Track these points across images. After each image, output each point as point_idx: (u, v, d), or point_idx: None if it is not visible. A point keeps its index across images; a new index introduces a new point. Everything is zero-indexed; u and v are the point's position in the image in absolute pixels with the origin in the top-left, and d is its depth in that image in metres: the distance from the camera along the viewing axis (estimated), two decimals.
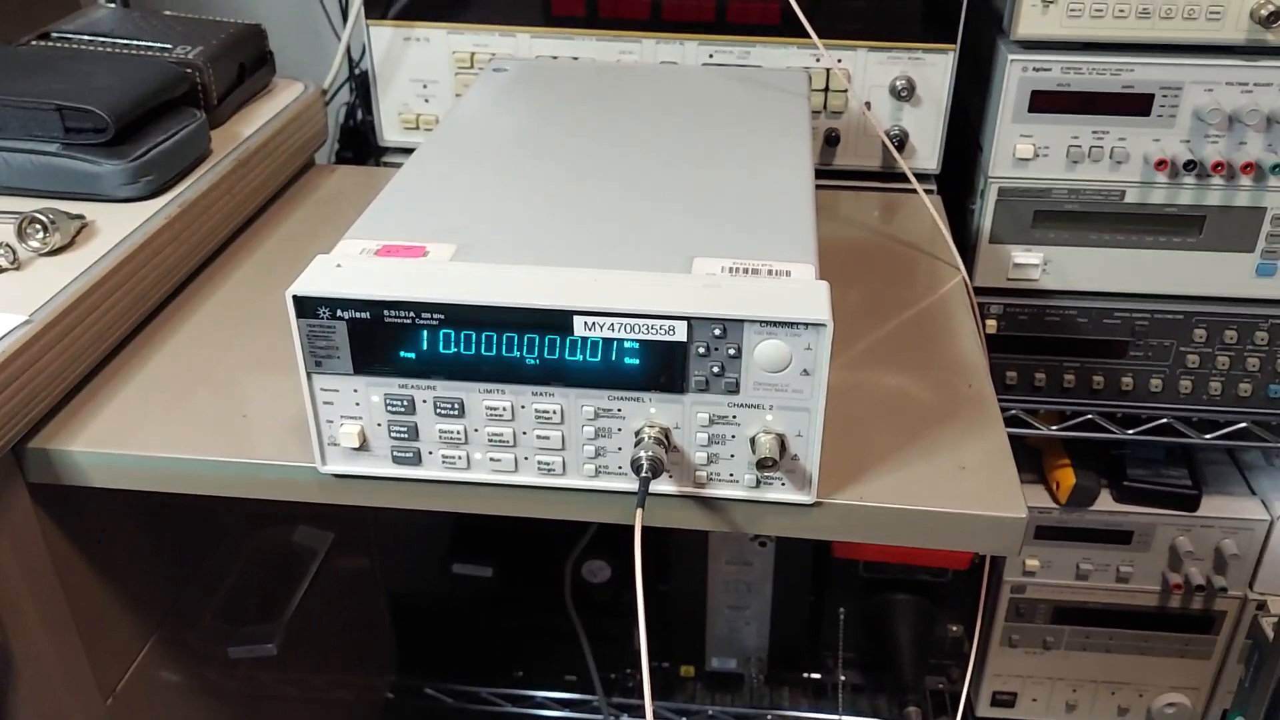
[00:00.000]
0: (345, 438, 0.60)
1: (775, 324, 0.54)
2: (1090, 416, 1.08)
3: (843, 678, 1.33)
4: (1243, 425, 1.06)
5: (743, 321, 0.54)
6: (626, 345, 0.56)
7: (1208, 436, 1.07)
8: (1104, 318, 1.03)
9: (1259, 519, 1.14)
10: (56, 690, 0.69)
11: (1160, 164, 0.94)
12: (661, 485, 0.60)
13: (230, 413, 0.67)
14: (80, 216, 0.73)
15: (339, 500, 0.63)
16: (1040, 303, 1.03)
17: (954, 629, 1.30)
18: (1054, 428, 1.09)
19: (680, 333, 0.55)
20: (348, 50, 1.10)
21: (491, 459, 0.60)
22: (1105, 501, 1.17)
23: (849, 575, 1.27)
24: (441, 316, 0.56)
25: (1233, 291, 1.00)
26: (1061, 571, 1.20)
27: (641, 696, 1.35)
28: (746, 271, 0.58)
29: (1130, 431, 1.09)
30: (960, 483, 0.61)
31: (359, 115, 1.29)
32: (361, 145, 1.28)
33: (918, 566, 1.26)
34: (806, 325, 0.54)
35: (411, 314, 0.56)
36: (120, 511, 0.76)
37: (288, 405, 0.67)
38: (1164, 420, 1.08)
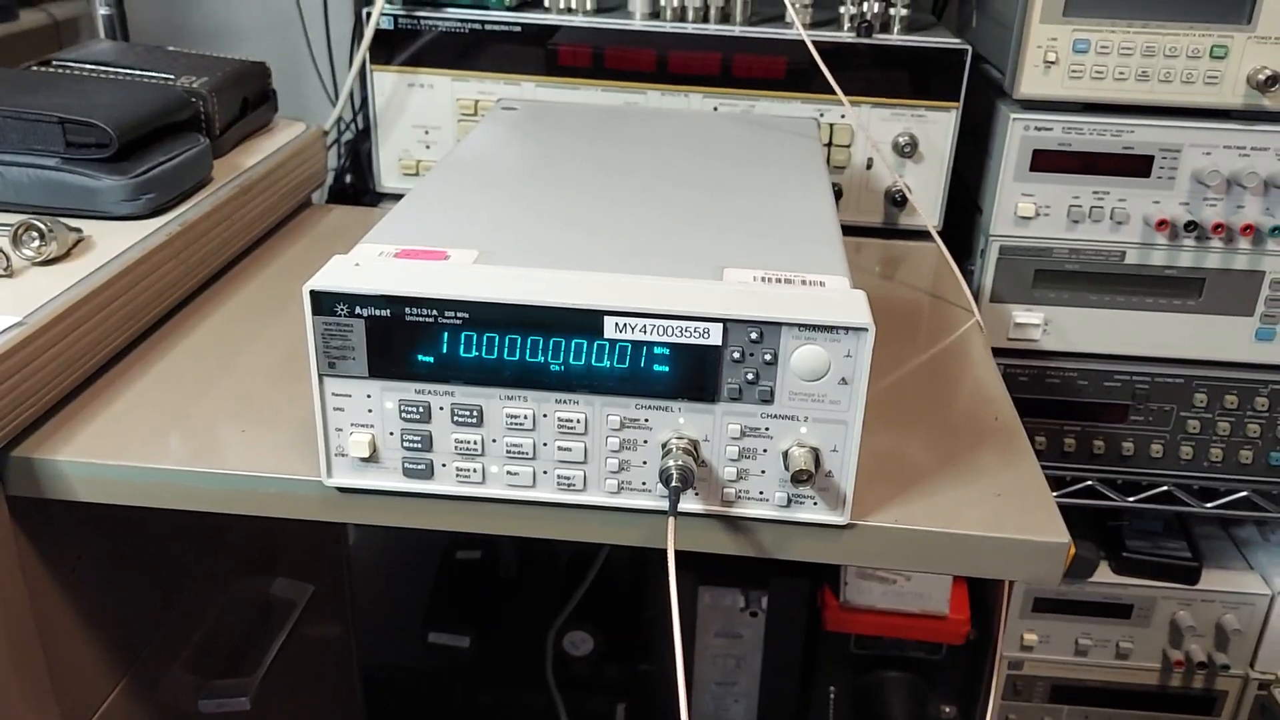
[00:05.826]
0: (355, 447, 0.57)
1: (815, 328, 0.52)
2: (1090, 483, 1.07)
3: None
4: (1243, 494, 1.05)
5: (781, 325, 0.52)
6: (656, 350, 0.54)
7: (1208, 505, 1.06)
8: (1104, 380, 1.02)
9: (1260, 593, 1.12)
10: None
11: (1161, 224, 0.94)
12: (686, 503, 0.57)
13: (228, 429, 0.64)
14: (78, 230, 0.71)
15: (342, 518, 0.60)
16: (1041, 364, 1.02)
17: (947, 709, 1.26)
18: (1054, 495, 1.07)
19: (715, 336, 0.53)
20: (350, 95, 1.09)
21: (508, 472, 0.57)
22: (1104, 574, 1.15)
23: (840, 650, 1.23)
24: (465, 316, 0.54)
25: (1233, 356, 1.00)
26: (1060, 647, 1.17)
27: None
28: (780, 281, 0.56)
29: (1130, 499, 1.07)
30: (997, 509, 0.59)
31: (346, 163, 1.27)
32: (344, 193, 1.26)
33: (911, 641, 1.22)
34: (848, 330, 0.52)
35: (434, 312, 0.54)
36: (96, 543, 0.71)
37: (287, 424, 0.64)
38: (1164, 488, 1.06)
